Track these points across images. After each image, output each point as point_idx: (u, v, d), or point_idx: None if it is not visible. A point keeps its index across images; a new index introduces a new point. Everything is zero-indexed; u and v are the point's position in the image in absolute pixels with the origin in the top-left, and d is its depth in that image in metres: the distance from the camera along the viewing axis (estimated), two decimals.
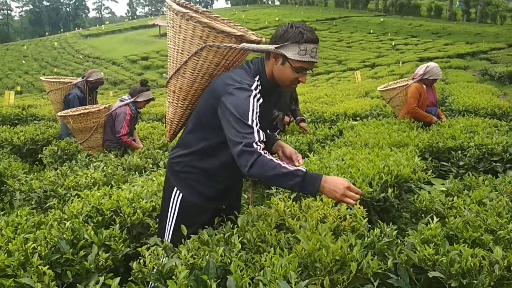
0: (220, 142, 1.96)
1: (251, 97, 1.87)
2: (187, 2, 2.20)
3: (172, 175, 2.17)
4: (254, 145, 1.79)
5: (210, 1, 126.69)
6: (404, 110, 5.45)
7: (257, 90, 1.92)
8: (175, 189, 2.13)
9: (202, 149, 2.07)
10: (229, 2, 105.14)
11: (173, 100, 2.20)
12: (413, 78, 5.42)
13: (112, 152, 4.61)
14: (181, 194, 2.11)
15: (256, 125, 1.84)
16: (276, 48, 1.90)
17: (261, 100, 1.90)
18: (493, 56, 23.76)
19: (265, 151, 1.81)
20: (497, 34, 34.79)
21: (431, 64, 5.35)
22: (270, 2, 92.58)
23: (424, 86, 5.29)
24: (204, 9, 2.31)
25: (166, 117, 2.30)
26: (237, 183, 2.32)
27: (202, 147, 2.07)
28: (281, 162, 1.79)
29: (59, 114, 5.00)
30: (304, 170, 1.78)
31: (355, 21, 50.18)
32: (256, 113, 1.86)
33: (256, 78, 1.97)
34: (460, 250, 1.70)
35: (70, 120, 4.77)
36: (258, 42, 2.06)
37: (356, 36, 40.06)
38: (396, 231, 2.05)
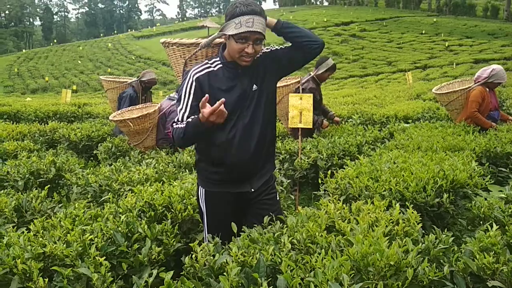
0: None
1: (188, 78, 2.15)
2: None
3: (197, 174, 2.38)
4: (174, 124, 2.14)
5: (258, 2, 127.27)
6: (463, 114, 5.20)
7: (202, 73, 2.15)
8: (199, 186, 2.31)
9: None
10: (277, 3, 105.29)
11: None
12: (474, 81, 5.18)
13: (163, 150, 4.72)
14: (202, 189, 2.27)
15: (185, 107, 2.13)
16: (220, 31, 2.15)
17: (194, 84, 2.13)
18: None
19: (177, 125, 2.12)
20: None
21: (497, 67, 5.06)
22: (318, 3, 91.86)
23: (487, 89, 5.05)
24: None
25: None
26: (242, 162, 2.20)
27: None
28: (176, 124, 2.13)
29: (114, 119, 5.01)
30: (190, 119, 2.08)
31: (406, 21, 48.88)
32: (190, 94, 2.13)
33: (211, 62, 2.20)
34: None
35: (130, 123, 4.80)
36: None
37: (407, 37, 39.04)
38: (452, 238, 1.97)
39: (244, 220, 2.25)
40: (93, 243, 1.97)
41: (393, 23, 48.01)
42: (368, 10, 61.72)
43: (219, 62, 2.19)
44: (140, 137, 4.95)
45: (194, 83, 2.13)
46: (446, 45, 32.98)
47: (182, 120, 2.12)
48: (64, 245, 1.97)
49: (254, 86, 2.19)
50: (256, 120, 2.19)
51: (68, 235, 2.05)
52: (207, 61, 2.21)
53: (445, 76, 18.80)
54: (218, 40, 2.28)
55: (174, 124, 2.14)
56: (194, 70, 2.17)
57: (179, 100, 2.17)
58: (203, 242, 2.16)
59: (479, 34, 37.48)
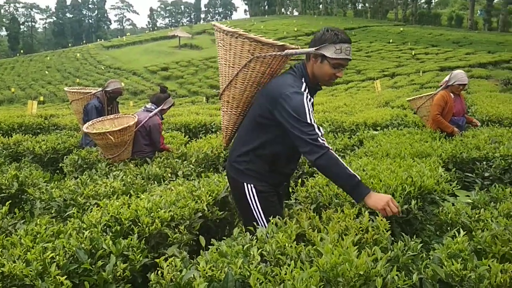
0: (273, 138, 2.32)
1: (304, 99, 2.17)
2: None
3: (238, 174, 2.42)
4: (320, 140, 2.11)
5: (229, 13, 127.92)
6: (430, 119, 5.36)
7: (306, 91, 2.24)
8: (245, 184, 2.39)
9: (259, 146, 2.36)
10: (248, 13, 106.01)
11: (227, 109, 2.53)
12: (440, 87, 5.34)
13: (132, 161, 4.61)
14: (252, 186, 2.38)
15: (314, 122, 2.15)
16: (316, 49, 2.21)
17: (311, 100, 2.24)
18: None
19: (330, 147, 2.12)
20: None
21: (456, 70, 5.27)
22: (288, 13, 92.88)
23: (452, 94, 5.18)
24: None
25: (222, 125, 2.62)
26: (293, 170, 2.67)
27: (258, 144, 2.35)
28: (343, 162, 2.12)
29: (90, 131, 4.75)
30: (359, 178, 2.13)
31: (374, 30, 49.97)
32: (311, 112, 2.18)
33: (303, 80, 2.29)
34: (489, 265, 1.62)
35: (111, 136, 4.53)
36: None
37: (375, 46, 39.88)
38: (420, 244, 1.98)
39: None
40: (54, 261, 1.89)
41: (362, 33, 48.98)
42: (337, 20, 62.80)
43: (306, 85, 2.28)
44: (118, 150, 4.71)
45: (310, 100, 2.22)
46: (413, 53, 33.83)
47: (321, 133, 2.14)
48: (24, 264, 1.88)
49: None
50: None
51: (28, 253, 1.95)
52: (298, 83, 2.25)
53: (412, 84, 19.23)
54: (290, 51, 2.29)
55: (321, 139, 2.12)
56: (300, 90, 2.21)
57: (300, 115, 2.13)
58: None
59: (444, 43, 38.63)
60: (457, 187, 3.15)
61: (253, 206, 2.39)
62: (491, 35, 42.00)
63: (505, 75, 18.97)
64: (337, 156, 2.13)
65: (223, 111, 2.56)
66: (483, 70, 22.43)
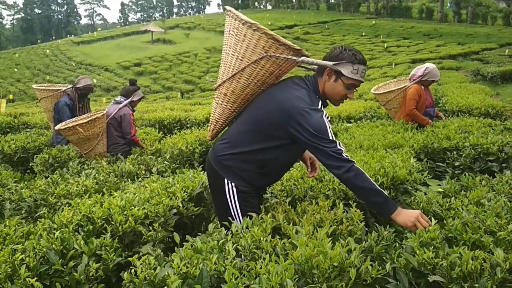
0: (274, 147, 2.23)
1: (324, 116, 2.10)
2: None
3: (222, 169, 2.32)
4: (344, 155, 2.07)
5: (202, 7, 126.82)
6: (401, 112, 5.37)
7: (323, 108, 2.16)
8: (227, 181, 2.29)
9: (253, 151, 2.26)
10: (221, 7, 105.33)
11: (222, 101, 2.36)
12: (410, 80, 5.35)
13: (104, 159, 4.55)
14: (234, 185, 2.29)
15: (337, 139, 2.10)
16: (334, 64, 2.12)
17: (328, 117, 2.13)
18: (485, 56, 23.88)
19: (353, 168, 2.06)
20: (488, 35, 35.03)
21: (430, 66, 5.25)
22: (262, 7, 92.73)
23: (423, 87, 5.24)
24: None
25: (212, 117, 2.45)
26: (280, 177, 2.63)
27: (252, 149, 2.25)
28: (370, 179, 2.08)
29: (61, 128, 4.77)
30: (387, 195, 2.09)
31: (347, 24, 50.34)
32: (331, 128, 2.10)
33: (317, 96, 2.20)
34: (460, 253, 1.65)
35: (80, 129, 4.60)
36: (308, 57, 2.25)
37: (348, 39, 40.17)
38: (394, 234, 2.01)
39: None
40: (24, 263, 1.84)
41: (335, 26, 49.29)
42: (310, 14, 63.03)
43: (321, 102, 2.19)
44: (91, 144, 4.78)
45: (328, 118, 2.14)
46: (385, 46, 34.25)
47: (344, 149, 2.10)
48: None
49: None
50: None
51: None
52: (314, 100, 2.16)
53: (385, 76, 19.46)
54: (307, 59, 2.18)
55: (345, 154, 2.08)
56: (318, 107, 2.14)
57: (321, 133, 2.06)
58: None
59: (416, 35, 39.22)
60: (428, 176, 3.22)
61: (231, 205, 2.31)
62: (460, 27, 42.87)
63: (474, 66, 19.35)
64: (363, 171, 2.09)
65: (217, 103, 2.39)
66: (453, 61, 22.86)
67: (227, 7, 2.29)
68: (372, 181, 2.08)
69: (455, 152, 4.10)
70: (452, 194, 2.66)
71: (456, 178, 3.08)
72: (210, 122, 2.48)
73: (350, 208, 2.22)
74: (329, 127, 2.09)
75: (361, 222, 2.10)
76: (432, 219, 2.01)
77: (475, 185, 2.82)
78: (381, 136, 4.42)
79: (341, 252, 1.60)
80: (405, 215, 2.03)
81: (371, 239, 1.87)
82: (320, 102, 2.18)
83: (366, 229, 2.15)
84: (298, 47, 2.19)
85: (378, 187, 2.08)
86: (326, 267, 1.55)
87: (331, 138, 2.06)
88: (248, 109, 2.34)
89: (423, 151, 4.20)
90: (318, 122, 2.07)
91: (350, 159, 2.07)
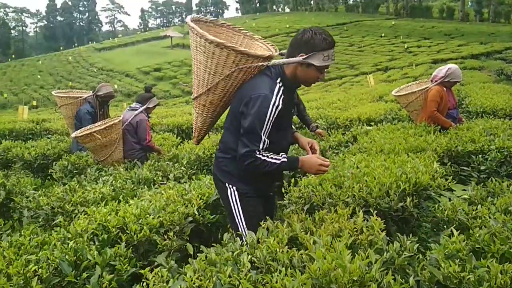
0: None
1: (271, 106, 2.14)
2: (205, 17, 2.47)
3: (222, 175, 2.40)
4: (256, 153, 2.16)
5: (221, 11, 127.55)
6: (423, 115, 5.21)
7: (280, 92, 2.20)
8: (228, 185, 2.36)
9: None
10: (239, 11, 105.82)
11: (202, 112, 2.44)
12: (431, 81, 5.19)
13: (121, 165, 4.54)
14: (235, 188, 2.35)
15: (265, 134, 2.16)
16: (304, 59, 2.16)
17: (280, 106, 2.17)
18: (508, 55, 23.35)
19: (263, 154, 2.18)
20: (511, 33, 34.21)
21: (453, 66, 5.08)
22: (280, 10, 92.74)
23: (445, 88, 5.09)
24: (215, 19, 2.57)
25: (195, 125, 2.53)
26: (280, 174, 2.69)
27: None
28: (269, 158, 2.18)
29: (76, 135, 4.78)
30: (285, 158, 2.21)
31: (366, 25, 49.92)
32: (271, 122, 2.16)
33: (278, 80, 2.23)
34: (488, 266, 1.56)
35: (98, 135, 4.63)
36: (281, 54, 2.35)
37: (367, 40, 39.83)
38: (417, 244, 1.91)
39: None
40: (37, 275, 1.81)
41: (354, 27, 48.91)
42: (328, 16, 62.73)
43: (281, 84, 2.23)
44: (108, 150, 4.78)
45: (277, 113, 2.17)
46: (405, 46, 33.80)
47: (263, 146, 2.17)
48: (6, 279, 1.80)
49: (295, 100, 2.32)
50: (289, 129, 2.49)
51: (11, 266, 1.88)
52: (271, 85, 2.20)
53: (406, 77, 19.18)
54: (278, 61, 2.25)
55: (258, 153, 2.17)
56: (274, 99, 2.16)
57: (253, 125, 2.14)
58: None
59: (436, 35, 38.62)
60: (453, 181, 3.09)
61: (234, 208, 2.35)
62: (482, 26, 42.05)
63: (498, 65, 18.94)
64: (264, 158, 2.17)
65: (198, 113, 2.47)
66: (476, 61, 22.40)
67: (188, 21, 2.31)
68: (271, 160, 2.18)
69: (480, 156, 3.95)
70: (478, 201, 2.54)
71: (482, 183, 2.96)
72: (194, 129, 2.57)
73: (371, 216, 2.13)
74: (269, 120, 2.14)
75: (382, 231, 2.00)
76: (456, 230, 1.91)
77: (502, 191, 2.69)
78: (402, 140, 4.29)
79: (361, 265, 1.52)
80: (307, 165, 2.24)
81: (392, 250, 1.78)
82: (278, 87, 2.20)
83: (388, 238, 2.06)
84: (268, 54, 2.26)
85: (276, 159, 2.19)
86: (345, 281, 1.47)
87: (261, 132, 2.14)
88: (229, 112, 2.42)
89: (446, 154, 4.06)
90: (261, 112, 2.13)
91: (256, 155, 2.16)
